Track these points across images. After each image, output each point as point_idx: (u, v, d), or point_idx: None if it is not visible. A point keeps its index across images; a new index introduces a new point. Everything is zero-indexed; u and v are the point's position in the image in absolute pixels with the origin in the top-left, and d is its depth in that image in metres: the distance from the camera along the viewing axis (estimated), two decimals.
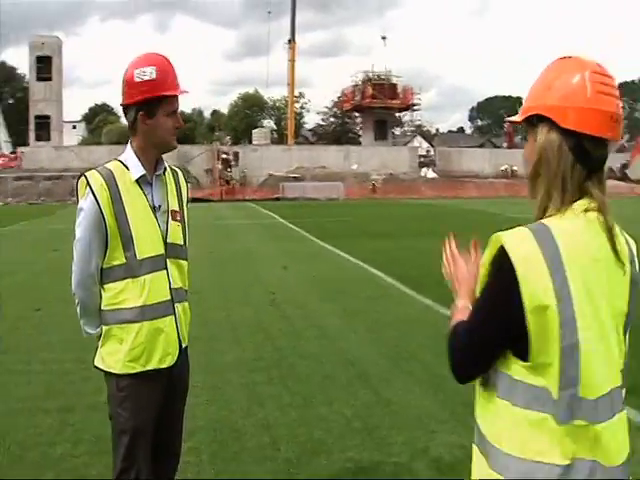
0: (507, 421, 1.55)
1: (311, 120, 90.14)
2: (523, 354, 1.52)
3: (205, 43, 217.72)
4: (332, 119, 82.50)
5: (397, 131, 79.12)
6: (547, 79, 1.64)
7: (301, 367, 5.95)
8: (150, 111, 2.62)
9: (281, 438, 4.36)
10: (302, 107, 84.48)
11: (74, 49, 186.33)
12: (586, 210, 1.57)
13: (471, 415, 1.75)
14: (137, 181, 2.67)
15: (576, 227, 1.55)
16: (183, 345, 2.78)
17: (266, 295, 9.39)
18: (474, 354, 1.63)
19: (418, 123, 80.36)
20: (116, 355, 2.64)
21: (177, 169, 2.96)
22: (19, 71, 74.89)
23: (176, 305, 2.73)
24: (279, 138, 76.10)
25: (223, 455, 4.14)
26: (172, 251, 2.73)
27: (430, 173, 57.90)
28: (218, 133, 69.67)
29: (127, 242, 2.60)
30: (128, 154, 2.71)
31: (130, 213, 2.60)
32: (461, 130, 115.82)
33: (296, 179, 52.11)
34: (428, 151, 67.84)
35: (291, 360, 6.18)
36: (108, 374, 2.68)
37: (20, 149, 54.84)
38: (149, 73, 2.60)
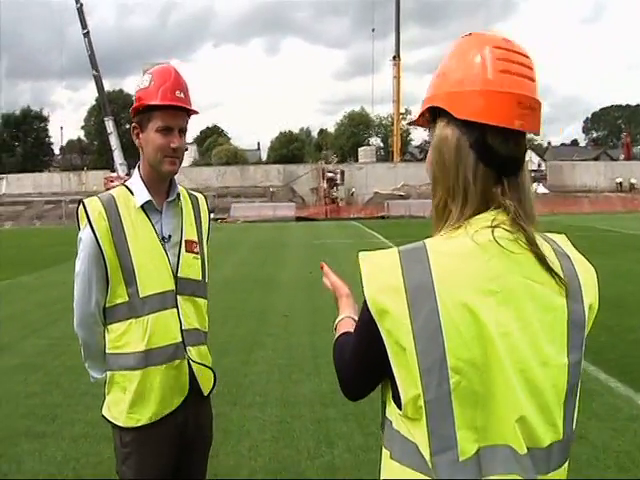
0: (389, 474, 1.29)
1: (418, 137, 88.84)
2: (398, 399, 1.23)
3: (314, 64, 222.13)
4: None
5: None
6: (444, 63, 1.33)
7: (380, 403, 5.48)
8: (140, 124, 2.33)
9: None
10: (409, 124, 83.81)
11: (189, 74, 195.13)
12: (490, 226, 1.21)
13: None
14: (143, 208, 2.34)
15: (465, 248, 1.20)
16: (204, 393, 2.43)
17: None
18: (355, 374, 1.40)
19: (528, 137, 77.27)
20: (119, 405, 2.32)
21: (198, 194, 2.61)
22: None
23: (188, 349, 2.36)
24: (386, 156, 75.80)
25: None
26: (185, 287, 2.37)
27: (541, 188, 55.54)
28: (325, 152, 70.29)
29: (129, 277, 2.27)
30: (134, 178, 2.40)
31: (132, 244, 2.28)
32: (575, 143, 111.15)
33: (402, 197, 51.52)
34: (539, 165, 65.48)
35: (371, 394, 5.71)
36: (113, 426, 2.36)
37: (133, 171, 57.53)
38: (144, 81, 2.32)
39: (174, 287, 2.34)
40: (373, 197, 52.74)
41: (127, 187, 2.39)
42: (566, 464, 1.28)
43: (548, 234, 1.35)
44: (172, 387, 2.32)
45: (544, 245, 1.27)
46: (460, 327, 1.15)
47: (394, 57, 64.94)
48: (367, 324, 1.23)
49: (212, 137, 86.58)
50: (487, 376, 1.16)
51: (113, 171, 57.59)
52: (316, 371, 6.54)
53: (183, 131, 2.35)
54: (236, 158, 70.54)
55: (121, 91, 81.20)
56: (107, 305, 2.32)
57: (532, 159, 70.13)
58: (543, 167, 63.62)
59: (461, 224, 1.24)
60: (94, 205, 2.30)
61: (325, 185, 53.12)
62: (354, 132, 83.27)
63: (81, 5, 57.62)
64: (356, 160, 64.09)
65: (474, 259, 1.19)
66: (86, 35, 58.34)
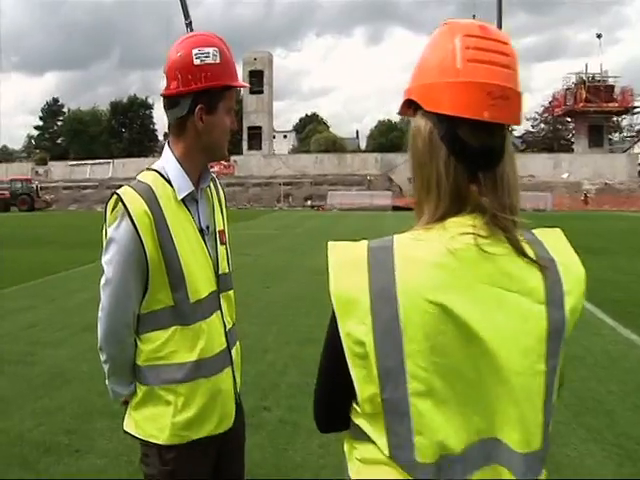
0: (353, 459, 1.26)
1: (520, 127, 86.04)
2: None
3: (416, 53, 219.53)
4: (542, 125, 78.21)
5: (615, 137, 73.02)
6: (421, 55, 1.28)
7: None
8: (211, 104, 2.00)
9: None
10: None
11: (291, 63, 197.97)
12: (468, 233, 1.15)
13: None
14: (182, 199, 2.05)
15: (435, 256, 1.13)
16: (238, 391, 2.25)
17: None
18: (322, 399, 1.33)
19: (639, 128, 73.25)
20: (161, 421, 2.04)
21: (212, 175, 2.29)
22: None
23: (232, 352, 2.17)
24: None
25: None
26: (224, 284, 2.15)
27: None
28: None
29: (177, 280, 1.97)
30: (169, 163, 2.06)
31: (178, 243, 1.98)
32: None
33: None
34: None
35: None
36: (147, 443, 2.07)
37: (233, 157, 58.71)
38: (212, 55, 1.98)
39: (217, 286, 2.12)
40: None
41: (159, 173, 2.06)
42: (542, 474, 1.22)
43: (537, 232, 1.26)
44: (223, 402, 2.12)
45: (527, 249, 1.19)
46: (419, 335, 1.11)
47: None
48: (334, 328, 1.18)
49: (311, 125, 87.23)
50: (454, 384, 1.12)
51: None
52: None
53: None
54: (334, 146, 70.66)
55: None
56: (142, 312, 2.03)
57: None
58: None
59: (433, 226, 1.19)
60: (134, 199, 1.95)
61: None
62: None
63: None
64: None
65: (441, 268, 1.13)
66: (188, 25, 59.95)
